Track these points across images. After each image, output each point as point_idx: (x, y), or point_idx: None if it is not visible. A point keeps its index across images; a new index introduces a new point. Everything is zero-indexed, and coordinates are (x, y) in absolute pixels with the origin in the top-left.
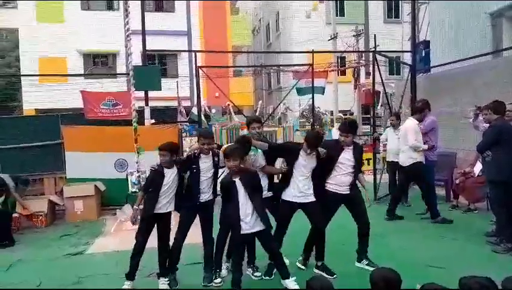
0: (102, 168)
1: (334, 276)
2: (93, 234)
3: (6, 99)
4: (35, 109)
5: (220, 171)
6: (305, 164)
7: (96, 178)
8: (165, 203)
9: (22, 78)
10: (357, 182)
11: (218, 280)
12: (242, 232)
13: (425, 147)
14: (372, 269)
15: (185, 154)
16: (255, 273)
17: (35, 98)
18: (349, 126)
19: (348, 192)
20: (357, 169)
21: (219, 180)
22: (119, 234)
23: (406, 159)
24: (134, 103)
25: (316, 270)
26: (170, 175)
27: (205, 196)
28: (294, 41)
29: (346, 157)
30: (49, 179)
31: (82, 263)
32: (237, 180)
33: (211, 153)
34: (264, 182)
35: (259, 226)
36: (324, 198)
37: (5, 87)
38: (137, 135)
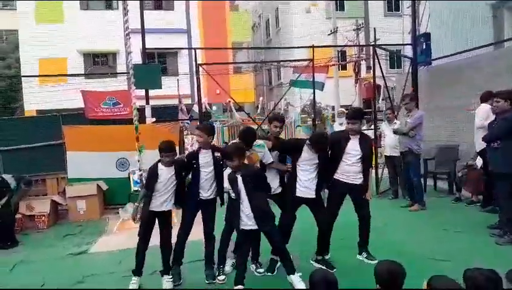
0: (104, 168)
1: (334, 270)
2: (97, 233)
3: (8, 101)
4: (36, 110)
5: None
6: (308, 159)
7: (98, 178)
8: (162, 201)
9: (23, 79)
10: None
11: (222, 277)
12: (242, 227)
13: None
14: (371, 261)
15: (186, 152)
16: (258, 270)
17: (35, 99)
18: (355, 113)
19: (354, 182)
20: (366, 160)
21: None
22: (122, 232)
23: None
24: (135, 101)
25: (316, 264)
26: (166, 174)
27: (206, 194)
28: (294, 36)
29: (352, 147)
30: (51, 180)
31: (86, 262)
32: (239, 177)
33: (211, 149)
34: (276, 178)
35: (255, 226)
36: (332, 188)
37: (6, 88)
38: (139, 134)
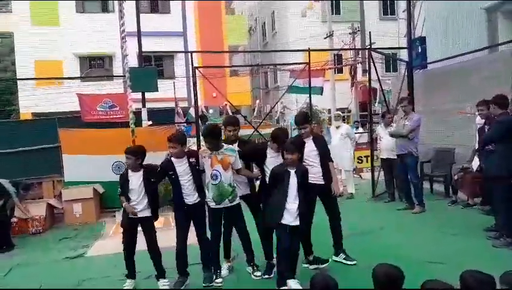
0: (100, 171)
1: (327, 263)
2: (93, 236)
3: (3, 104)
4: (32, 113)
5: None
6: (274, 163)
7: (94, 181)
8: (138, 207)
9: (19, 82)
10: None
11: (220, 279)
12: (283, 221)
13: None
14: (349, 263)
15: None
16: (255, 273)
17: (31, 102)
18: (304, 118)
19: (318, 182)
20: (324, 159)
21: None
22: (118, 236)
23: None
24: (131, 104)
25: (311, 266)
26: (136, 179)
27: (191, 199)
28: (290, 40)
29: (309, 149)
30: (47, 183)
31: (82, 266)
32: (292, 172)
33: (185, 156)
34: (246, 183)
35: (297, 221)
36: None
37: (2, 91)
38: (135, 137)
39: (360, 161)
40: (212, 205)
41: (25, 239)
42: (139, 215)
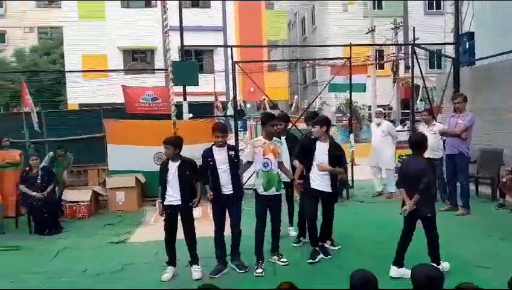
0: (142, 161)
1: (329, 256)
2: (134, 224)
3: (52, 95)
4: (78, 104)
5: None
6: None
7: (136, 170)
8: (173, 195)
9: (66, 74)
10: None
11: (260, 270)
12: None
13: None
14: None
15: None
16: (282, 259)
17: (78, 93)
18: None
19: (330, 190)
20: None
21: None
22: (158, 224)
23: None
24: (173, 97)
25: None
26: (173, 168)
27: (227, 189)
28: (330, 35)
29: (321, 153)
30: (92, 171)
31: (125, 251)
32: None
33: (226, 147)
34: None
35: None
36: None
37: (51, 83)
38: (176, 129)
39: (400, 160)
40: (261, 190)
41: (72, 223)
42: (175, 204)
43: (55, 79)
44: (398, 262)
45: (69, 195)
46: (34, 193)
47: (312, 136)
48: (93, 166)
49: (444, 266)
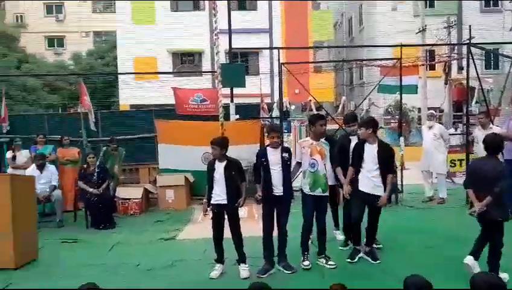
0: (190, 160)
1: (378, 261)
2: (183, 221)
3: (105, 96)
4: (129, 105)
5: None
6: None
7: (185, 170)
8: (220, 194)
9: (119, 76)
10: None
11: (307, 262)
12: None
13: None
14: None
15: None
16: (330, 262)
17: (129, 94)
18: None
19: (379, 194)
20: (385, 170)
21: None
22: (206, 222)
23: None
24: (221, 99)
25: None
26: (219, 168)
27: (278, 190)
28: (378, 35)
29: (370, 154)
30: (143, 169)
31: (174, 248)
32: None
33: (280, 148)
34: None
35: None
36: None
37: (104, 85)
38: (224, 130)
39: (452, 165)
40: (307, 190)
41: (124, 219)
42: (222, 203)
43: (108, 81)
44: (475, 254)
45: (121, 192)
46: (91, 189)
47: (350, 137)
48: (144, 165)
49: (503, 277)
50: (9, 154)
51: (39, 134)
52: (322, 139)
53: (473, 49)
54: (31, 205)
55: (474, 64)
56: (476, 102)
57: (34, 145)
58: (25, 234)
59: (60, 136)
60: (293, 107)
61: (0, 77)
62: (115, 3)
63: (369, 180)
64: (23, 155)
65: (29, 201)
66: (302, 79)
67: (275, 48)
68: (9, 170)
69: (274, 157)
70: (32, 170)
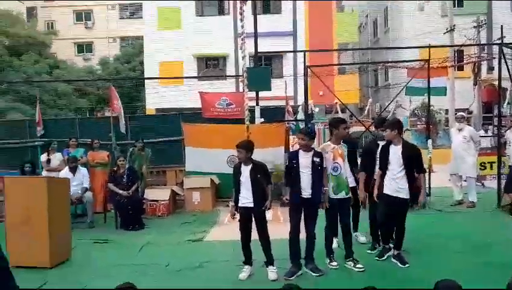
0: (216, 163)
1: (407, 265)
2: (209, 223)
3: (132, 100)
4: (155, 109)
5: None
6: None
7: (211, 172)
8: (246, 197)
9: (145, 80)
10: None
11: (335, 263)
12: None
13: None
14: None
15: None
16: (358, 265)
17: (155, 98)
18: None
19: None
20: (410, 170)
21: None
22: (232, 224)
23: None
24: (247, 102)
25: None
26: (245, 171)
27: (306, 193)
28: (405, 35)
29: (395, 155)
30: (170, 171)
31: (202, 249)
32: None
33: (312, 152)
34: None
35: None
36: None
37: (130, 89)
38: (249, 133)
39: (482, 168)
40: (331, 194)
41: (152, 220)
42: (249, 206)
43: (134, 85)
44: None
45: (149, 194)
46: (121, 191)
47: (378, 142)
48: (171, 167)
49: None
50: (44, 157)
51: (71, 137)
52: (341, 142)
53: (504, 49)
54: (65, 206)
55: (506, 65)
56: (508, 103)
57: (66, 149)
58: (60, 234)
59: (90, 140)
60: (316, 109)
61: (35, 83)
62: (141, 9)
63: (394, 182)
64: (57, 158)
65: (64, 203)
66: (326, 81)
67: (301, 50)
68: (44, 173)
69: (304, 160)
70: (65, 173)
